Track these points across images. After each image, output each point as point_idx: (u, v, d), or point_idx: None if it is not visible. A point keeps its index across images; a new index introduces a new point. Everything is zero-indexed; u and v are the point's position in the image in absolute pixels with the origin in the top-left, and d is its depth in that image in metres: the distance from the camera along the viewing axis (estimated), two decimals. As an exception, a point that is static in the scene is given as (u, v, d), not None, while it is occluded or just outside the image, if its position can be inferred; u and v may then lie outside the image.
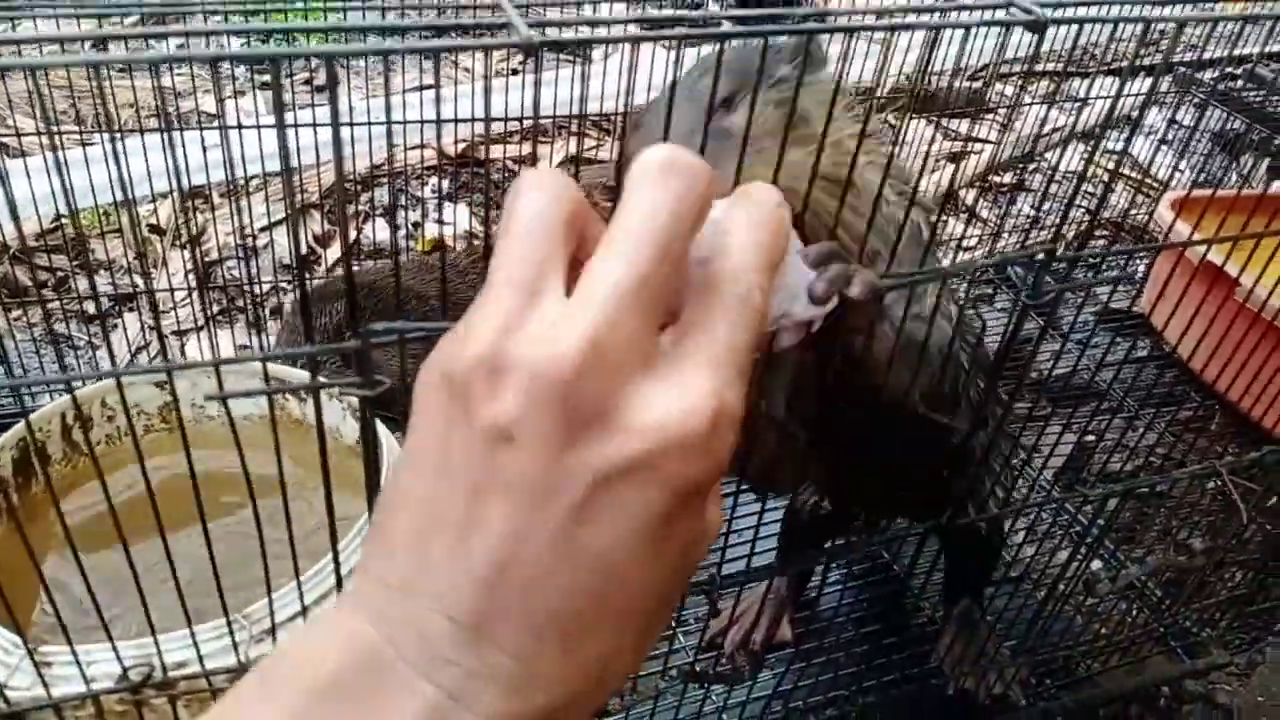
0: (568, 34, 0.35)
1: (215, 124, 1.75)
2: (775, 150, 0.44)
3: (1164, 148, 2.09)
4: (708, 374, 0.27)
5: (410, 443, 0.29)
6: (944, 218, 1.99)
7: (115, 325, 1.53)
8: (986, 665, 0.96)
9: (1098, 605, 1.14)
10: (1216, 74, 1.92)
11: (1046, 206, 1.85)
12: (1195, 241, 0.55)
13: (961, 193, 2.07)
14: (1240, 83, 1.81)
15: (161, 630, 0.55)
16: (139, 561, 0.50)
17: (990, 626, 1.00)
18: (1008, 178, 2.15)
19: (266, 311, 1.55)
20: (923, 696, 0.97)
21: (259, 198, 1.83)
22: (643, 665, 0.92)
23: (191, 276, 1.46)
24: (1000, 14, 0.43)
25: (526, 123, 1.64)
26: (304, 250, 1.69)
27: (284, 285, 1.54)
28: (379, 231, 1.80)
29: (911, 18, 0.44)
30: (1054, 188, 1.88)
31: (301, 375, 0.86)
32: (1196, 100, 1.72)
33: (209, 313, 1.50)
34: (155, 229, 1.71)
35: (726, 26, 0.40)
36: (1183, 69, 1.83)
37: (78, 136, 1.83)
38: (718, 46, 0.46)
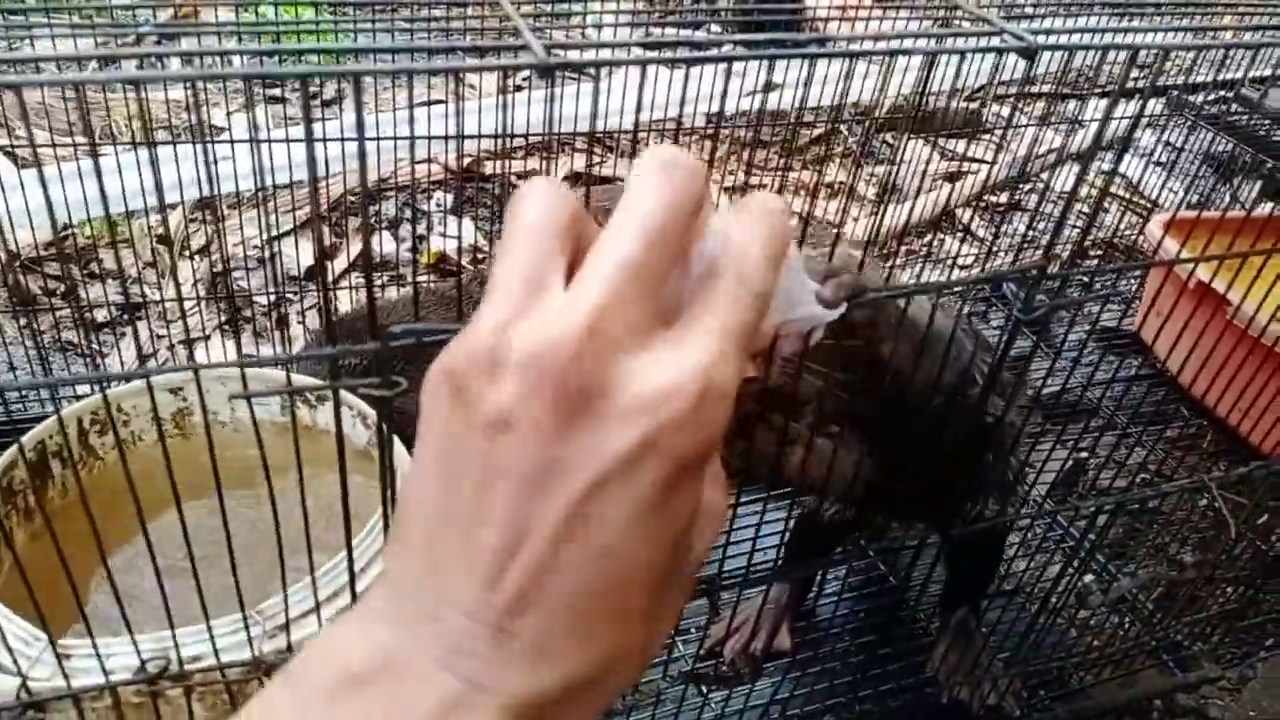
0: (576, 55, 0.37)
1: (225, 137, 1.77)
2: None
3: (1156, 168, 2.12)
4: (699, 348, 0.28)
5: (419, 447, 0.29)
6: (941, 236, 2.02)
7: (124, 334, 1.55)
8: (981, 676, 0.98)
9: (1090, 618, 1.16)
10: (1206, 97, 1.95)
11: (1040, 226, 1.88)
12: (1183, 259, 0.57)
13: (958, 211, 2.10)
14: (1230, 105, 1.85)
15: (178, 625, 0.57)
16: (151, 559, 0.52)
17: (985, 638, 1.01)
18: (1003, 197, 2.18)
19: (273, 321, 1.57)
20: (918, 706, 0.98)
21: (267, 209, 1.85)
22: (644, 670, 0.93)
23: (200, 286, 1.48)
24: (994, 40, 0.45)
25: (532, 139, 1.67)
26: (317, 260, 1.71)
27: (291, 296, 1.56)
28: (385, 244, 1.83)
29: (910, 43, 0.46)
30: (1048, 207, 1.91)
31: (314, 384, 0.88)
32: (1187, 122, 1.75)
33: (220, 321, 1.52)
34: (164, 239, 1.74)
35: (730, 49, 0.42)
36: (1174, 92, 1.87)
37: (87, 148, 1.86)
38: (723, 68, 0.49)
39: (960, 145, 2.31)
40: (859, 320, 0.51)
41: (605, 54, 0.40)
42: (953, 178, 2.20)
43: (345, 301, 1.57)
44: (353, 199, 1.84)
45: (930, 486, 0.79)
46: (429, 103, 1.74)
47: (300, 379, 0.87)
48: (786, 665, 1.01)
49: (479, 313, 0.28)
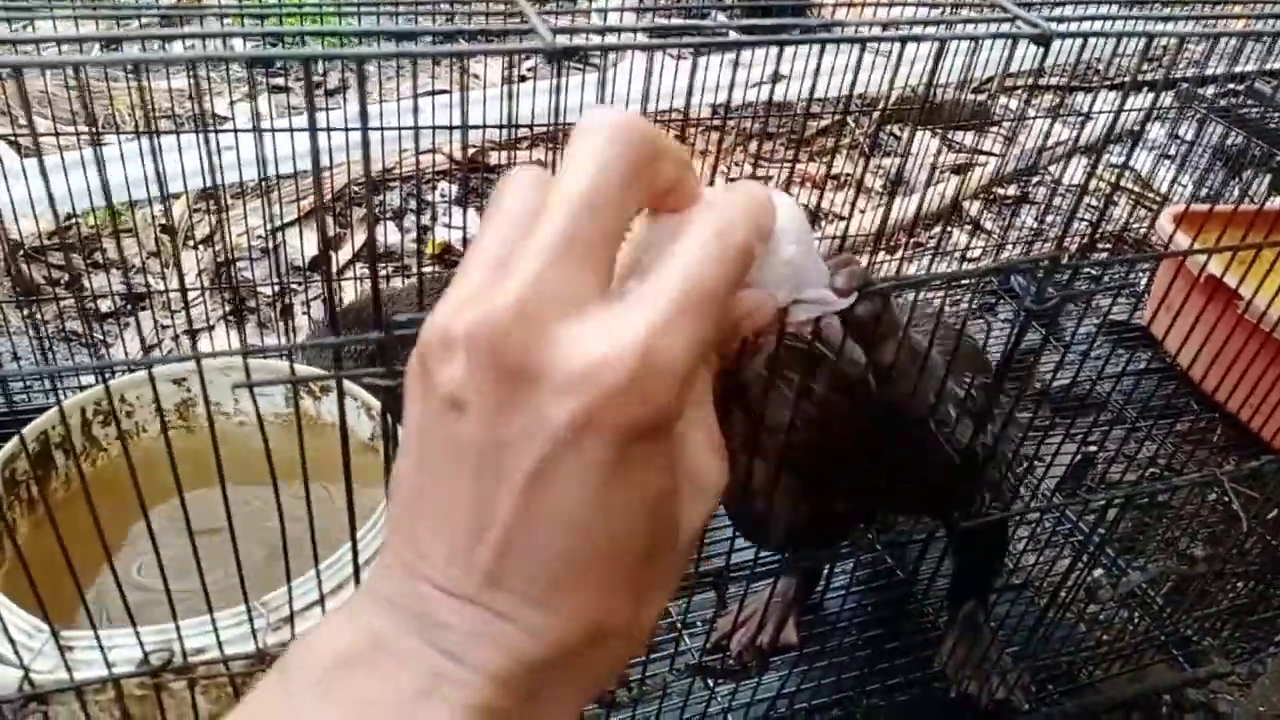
0: (584, 39, 0.36)
1: (228, 126, 1.77)
2: None
3: (1166, 162, 2.11)
4: (640, 317, 0.27)
5: (403, 428, 0.30)
6: (949, 229, 2.01)
7: (127, 324, 1.55)
8: (989, 670, 0.97)
9: (1100, 612, 1.15)
10: (1218, 90, 1.94)
11: (1050, 219, 1.86)
12: (1195, 251, 0.56)
13: (966, 204, 2.08)
14: (1241, 98, 1.83)
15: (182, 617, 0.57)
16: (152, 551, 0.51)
17: (993, 632, 1.01)
18: (1012, 190, 2.17)
19: (278, 311, 1.56)
20: (925, 700, 0.98)
21: (271, 199, 1.85)
22: (649, 664, 0.93)
23: (204, 276, 1.48)
24: (1007, 27, 0.44)
25: (537, 129, 1.66)
26: (321, 250, 1.70)
27: (295, 286, 1.56)
28: (389, 235, 1.82)
29: (919, 29, 0.45)
30: (1057, 200, 1.89)
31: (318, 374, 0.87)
32: (1198, 115, 1.74)
33: (224, 312, 1.51)
34: (167, 229, 1.73)
35: (736, 36, 0.41)
36: (1185, 85, 1.85)
37: (89, 137, 1.85)
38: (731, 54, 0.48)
39: (969, 138, 2.29)
40: (863, 316, 0.50)
41: (612, 40, 0.40)
42: (961, 170, 2.19)
43: (350, 292, 1.57)
44: (357, 189, 1.83)
45: (926, 491, 0.78)
46: (433, 92, 1.73)
47: (304, 369, 0.86)
48: (793, 659, 1.01)
49: (445, 294, 0.28)
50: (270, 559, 0.82)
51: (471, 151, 1.99)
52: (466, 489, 0.27)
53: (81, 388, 1.18)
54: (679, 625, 0.95)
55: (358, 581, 0.55)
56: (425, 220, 1.86)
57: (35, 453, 0.82)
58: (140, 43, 1.17)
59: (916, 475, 0.70)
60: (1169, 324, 0.75)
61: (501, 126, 1.05)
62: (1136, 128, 2.08)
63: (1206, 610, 1.12)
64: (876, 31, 0.45)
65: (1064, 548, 1.20)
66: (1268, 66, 2.29)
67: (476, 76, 2.27)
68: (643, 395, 0.26)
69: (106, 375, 0.52)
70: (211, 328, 1.54)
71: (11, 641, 0.62)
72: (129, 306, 1.56)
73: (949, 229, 2.04)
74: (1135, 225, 1.93)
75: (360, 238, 1.78)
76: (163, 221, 1.72)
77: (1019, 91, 2.46)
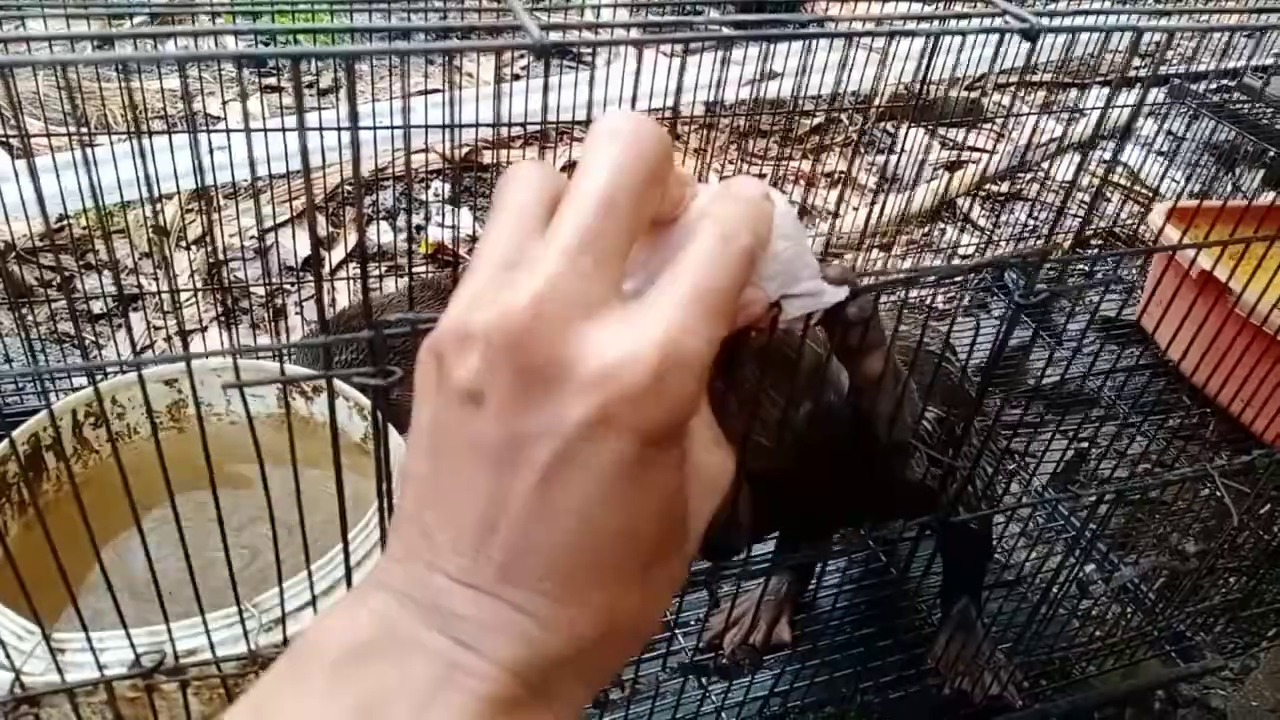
0: (574, 35, 0.36)
1: (221, 126, 1.76)
2: None
3: (1157, 158, 2.11)
4: (661, 318, 0.27)
5: (412, 421, 0.30)
6: (941, 226, 2.01)
7: (120, 325, 1.54)
8: (982, 666, 0.97)
9: (1092, 608, 1.15)
10: (1209, 85, 1.94)
11: (1041, 215, 1.87)
12: (1183, 246, 0.56)
13: (958, 201, 2.09)
14: (1233, 94, 1.84)
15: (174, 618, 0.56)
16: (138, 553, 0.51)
17: (986, 628, 1.01)
18: (1004, 186, 2.17)
19: (271, 312, 1.56)
20: (919, 697, 0.98)
21: (263, 200, 1.85)
22: (642, 663, 0.93)
23: (197, 277, 1.47)
24: (996, 22, 0.44)
25: (530, 128, 1.66)
26: (313, 249, 1.70)
27: (288, 286, 1.56)
28: (383, 234, 1.82)
29: (910, 25, 0.45)
30: (1048, 196, 1.90)
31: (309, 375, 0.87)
32: (1190, 111, 1.74)
33: (217, 313, 1.51)
34: (160, 230, 1.73)
35: (723, 31, 0.41)
36: (1176, 80, 1.85)
37: (80, 138, 1.85)
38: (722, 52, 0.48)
39: (960, 134, 2.29)
40: (853, 316, 0.49)
41: (602, 35, 0.40)
42: (953, 167, 2.19)
43: (343, 291, 1.57)
44: (350, 188, 1.83)
45: (899, 506, 0.76)
46: (425, 91, 1.72)
47: (295, 369, 0.86)
48: (786, 657, 1.01)
49: (458, 289, 0.29)
50: (264, 559, 0.82)
51: (465, 151, 1.98)
52: (482, 481, 0.27)
53: (75, 389, 1.18)
54: (672, 624, 0.95)
55: (349, 581, 0.55)
56: (419, 220, 1.86)
57: (26, 455, 0.82)
58: (132, 42, 1.16)
59: (887, 495, 0.70)
60: (1161, 319, 0.75)
61: (491, 125, 1.05)
62: (1127, 123, 2.09)
63: (1199, 605, 1.12)
64: (869, 26, 0.45)
65: (1056, 544, 1.20)
66: (1258, 62, 2.30)
67: (470, 76, 2.27)
68: (661, 395, 0.26)
69: (96, 376, 0.52)
70: (205, 329, 1.53)
71: (2, 644, 0.62)
72: (121, 308, 1.56)
73: (941, 225, 2.04)
74: (1127, 220, 1.93)
75: (354, 237, 1.77)
76: (155, 222, 1.72)
77: (1011, 89, 2.47)
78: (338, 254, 1.77)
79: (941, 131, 2.27)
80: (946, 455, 0.63)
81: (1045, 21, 0.43)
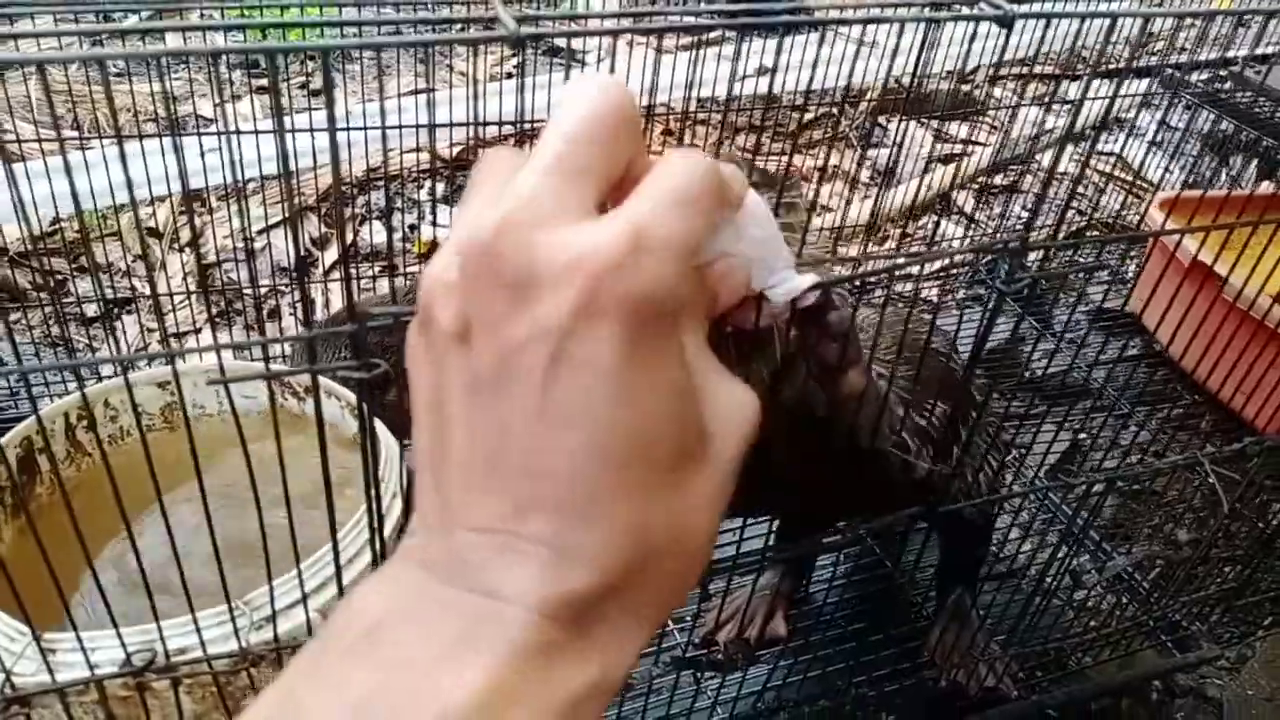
0: (549, 26, 0.36)
1: (213, 128, 1.76)
2: None
3: (1155, 150, 2.11)
4: (627, 210, 0.27)
5: (412, 395, 0.30)
6: (936, 219, 2.01)
7: (113, 329, 1.54)
8: (977, 658, 0.97)
9: (1087, 599, 1.15)
10: (1206, 76, 1.94)
11: (1034, 207, 1.87)
12: (1168, 231, 0.56)
13: (954, 194, 2.09)
14: (1229, 85, 1.83)
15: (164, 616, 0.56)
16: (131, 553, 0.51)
17: (981, 620, 1.01)
18: (1000, 179, 2.17)
19: (264, 313, 1.56)
20: (914, 690, 0.98)
21: (255, 201, 1.85)
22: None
23: (190, 279, 1.47)
24: (972, 10, 0.44)
25: (523, 126, 1.66)
26: (302, 252, 1.70)
27: (281, 288, 1.56)
28: (376, 234, 1.82)
29: (888, 12, 0.45)
30: (1038, 187, 1.89)
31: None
32: (1186, 103, 1.74)
33: (210, 315, 1.51)
34: (153, 232, 1.73)
35: (694, 21, 0.41)
36: (1171, 71, 1.85)
37: (76, 141, 1.85)
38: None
39: (955, 128, 2.29)
40: (832, 324, 0.49)
41: (576, 27, 0.40)
42: (948, 160, 2.19)
43: (336, 292, 1.56)
44: (341, 188, 1.83)
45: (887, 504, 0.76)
46: (415, 91, 1.73)
47: (281, 367, 0.86)
48: (781, 651, 1.01)
49: (433, 260, 0.29)
50: (255, 557, 0.82)
51: (458, 150, 1.98)
52: (481, 418, 0.27)
53: (69, 393, 1.18)
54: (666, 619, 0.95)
55: (339, 579, 0.55)
56: (412, 219, 1.86)
57: (19, 458, 0.82)
58: (120, 39, 1.16)
59: (886, 493, 0.70)
60: (1155, 309, 0.75)
61: (467, 125, 1.06)
62: (1121, 114, 2.09)
63: (1194, 595, 1.12)
64: (847, 15, 0.45)
65: (1049, 534, 1.21)
66: (1255, 52, 2.30)
67: (462, 74, 2.27)
68: (639, 270, 0.26)
69: (83, 377, 0.52)
70: (198, 330, 1.53)
71: (-6, 645, 0.62)
72: (114, 311, 1.56)
73: (936, 219, 2.04)
74: (1125, 214, 1.93)
75: (346, 237, 1.77)
76: (148, 225, 1.72)
77: (1005, 81, 2.47)
78: (331, 254, 1.77)
79: (935, 125, 2.27)
80: (952, 451, 0.64)
81: (1020, 8, 0.43)
